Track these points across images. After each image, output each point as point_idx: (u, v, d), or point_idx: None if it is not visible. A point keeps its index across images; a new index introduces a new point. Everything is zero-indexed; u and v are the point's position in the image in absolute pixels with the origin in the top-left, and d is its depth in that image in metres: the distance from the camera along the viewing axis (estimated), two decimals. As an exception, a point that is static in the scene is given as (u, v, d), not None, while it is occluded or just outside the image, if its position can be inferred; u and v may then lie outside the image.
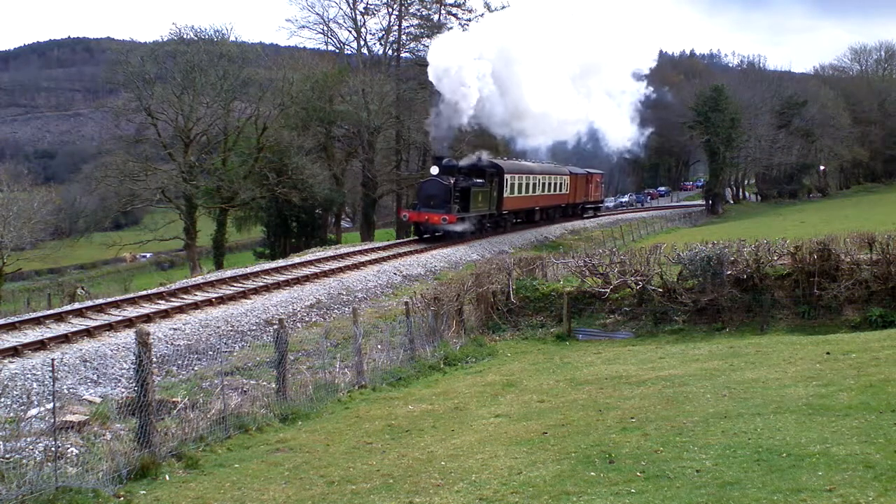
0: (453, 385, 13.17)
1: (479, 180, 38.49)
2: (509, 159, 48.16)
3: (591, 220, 62.08)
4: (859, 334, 14.28)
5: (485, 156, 42.09)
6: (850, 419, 7.77)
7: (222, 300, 21.07)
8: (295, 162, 44.77)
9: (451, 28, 51.35)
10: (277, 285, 23.79)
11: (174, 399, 11.97)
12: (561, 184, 53.19)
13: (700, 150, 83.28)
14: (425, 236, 37.55)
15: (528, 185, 45.91)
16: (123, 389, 13.86)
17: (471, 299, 18.85)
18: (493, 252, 36.08)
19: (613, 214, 71.68)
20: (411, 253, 33.68)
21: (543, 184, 49.18)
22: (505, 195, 41.65)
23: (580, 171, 58.40)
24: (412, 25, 57.48)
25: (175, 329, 17.99)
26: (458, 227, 36.57)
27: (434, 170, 36.56)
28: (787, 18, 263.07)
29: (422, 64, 48.80)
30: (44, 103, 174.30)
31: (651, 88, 55.56)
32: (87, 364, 14.88)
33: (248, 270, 26.99)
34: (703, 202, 78.94)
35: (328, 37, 58.14)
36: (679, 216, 67.51)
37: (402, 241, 39.89)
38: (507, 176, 41.76)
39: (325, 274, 26.42)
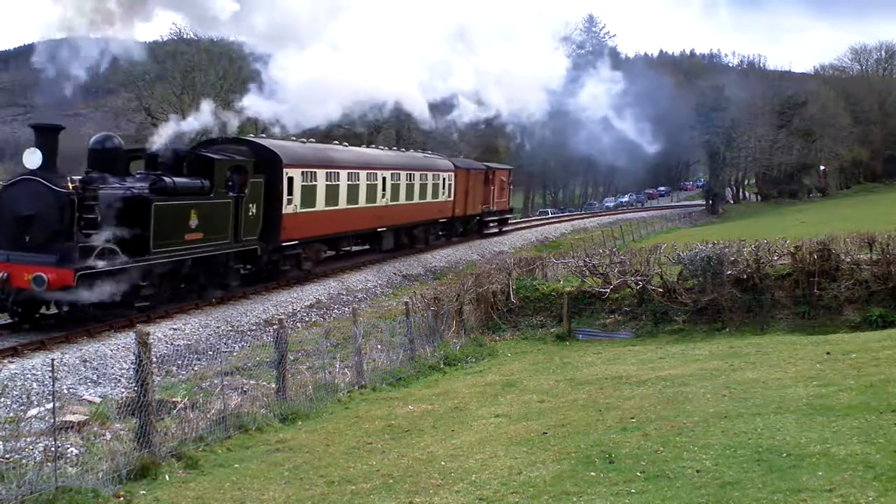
0: (453, 385, 13.16)
1: (192, 181, 19.17)
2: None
3: (589, 219, 61.05)
4: (859, 334, 14.29)
5: (270, 140, 24.13)
6: (851, 419, 7.76)
7: (222, 300, 21.06)
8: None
9: None
10: (277, 285, 23.78)
11: (174, 399, 11.97)
12: (437, 185, 34.94)
13: (700, 150, 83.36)
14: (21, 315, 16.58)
15: (354, 188, 27.10)
16: (123, 389, 13.85)
17: (471, 299, 18.85)
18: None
19: (613, 214, 71.68)
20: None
21: (395, 185, 30.62)
22: (285, 210, 22.53)
23: (475, 165, 40.97)
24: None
25: (175, 329, 17.99)
26: (90, 294, 15.79)
27: (31, 158, 16.03)
28: (783, 18, 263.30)
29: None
30: (43, 103, 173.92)
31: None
32: (87, 364, 14.87)
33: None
34: (703, 202, 79.00)
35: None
36: (679, 216, 67.62)
37: None
38: (289, 172, 22.79)
39: (325, 274, 26.40)
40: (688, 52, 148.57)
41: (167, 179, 18.45)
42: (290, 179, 22.97)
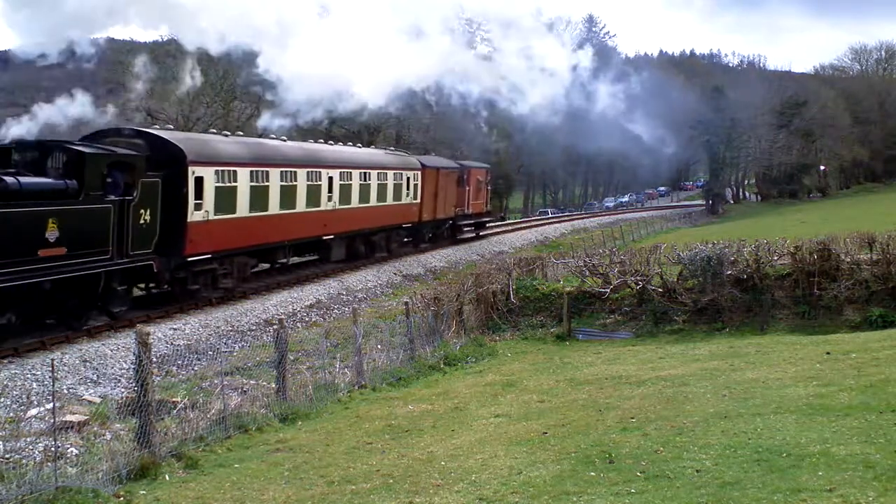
0: (453, 385, 13.17)
1: (51, 181, 15.45)
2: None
3: (589, 219, 60.81)
4: (859, 334, 14.30)
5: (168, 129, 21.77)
6: (850, 419, 7.77)
7: (222, 300, 21.06)
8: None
9: None
10: (277, 285, 23.78)
11: (174, 399, 11.97)
12: (400, 186, 31.13)
13: (701, 150, 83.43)
14: None
15: (289, 189, 23.29)
16: (123, 389, 13.86)
17: (471, 299, 18.85)
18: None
19: (613, 214, 71.68)
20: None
21: (346, 186, 26.82)
22: (192, 217, 18.94)
23: (447, 163, 37.20)
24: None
25: (175, 329, 18.00)
26: None
27: None
28: (783, 18, 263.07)
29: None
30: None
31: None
32: (87, 364, 14.87)
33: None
34: (703, 202, 79.07)
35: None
36: (679, 216, 67.68)
37: None
38: (197, 171, 19.12)
39: (326, 274, 26.39)
40: (688, 52, 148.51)
41: (9, 179, 14.42)
42: (199, 180, 19.13)
